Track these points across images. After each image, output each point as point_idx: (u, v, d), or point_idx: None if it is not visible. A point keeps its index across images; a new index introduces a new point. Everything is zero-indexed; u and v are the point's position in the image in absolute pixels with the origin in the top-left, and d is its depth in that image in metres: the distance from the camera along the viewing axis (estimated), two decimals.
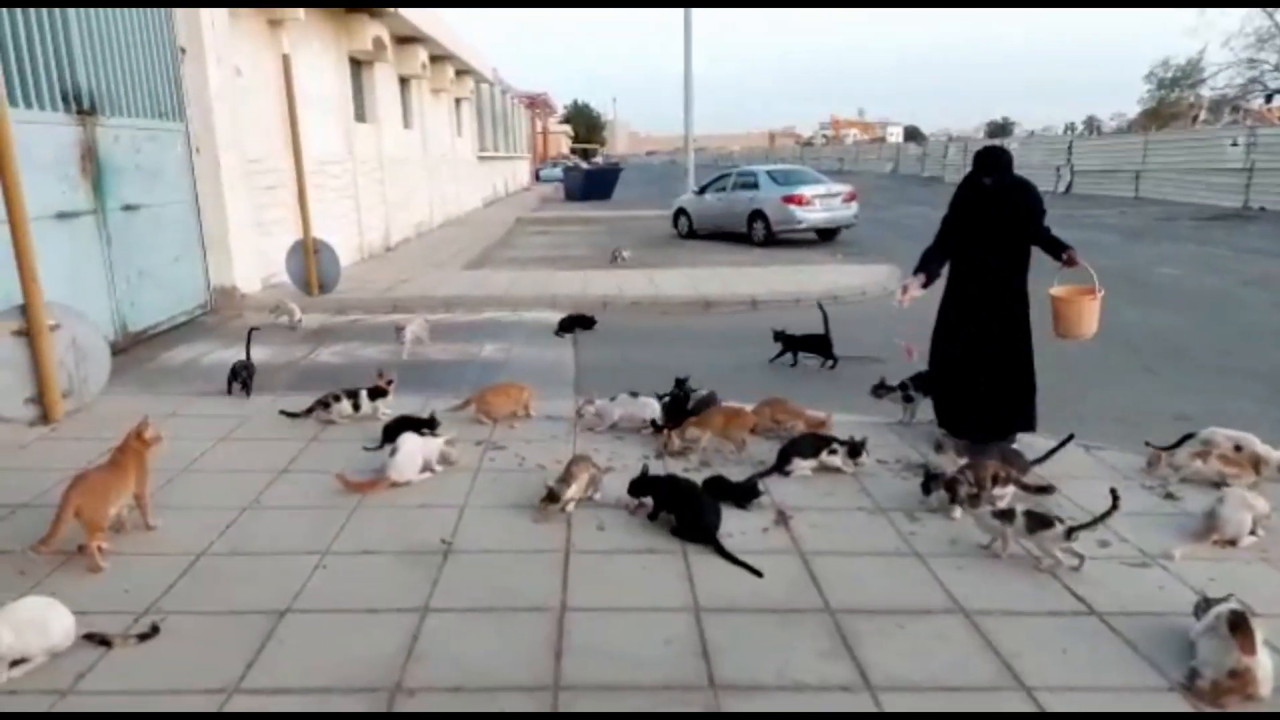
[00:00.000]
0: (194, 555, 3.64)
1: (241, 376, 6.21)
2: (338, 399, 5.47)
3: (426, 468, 4.53)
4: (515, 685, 2.76)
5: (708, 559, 3.64)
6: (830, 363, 7.60)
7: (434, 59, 21.23)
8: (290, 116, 10.88)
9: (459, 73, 25.19)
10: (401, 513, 4.10)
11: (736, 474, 4.45)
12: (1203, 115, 49.67)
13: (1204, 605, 2.97)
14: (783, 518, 4.07)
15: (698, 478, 4.29)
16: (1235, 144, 25.17)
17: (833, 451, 4.65)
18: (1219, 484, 4.30)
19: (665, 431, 5.04)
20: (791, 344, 7.76)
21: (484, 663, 2.88)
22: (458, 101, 26.90)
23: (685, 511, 3.90)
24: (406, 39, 18.68)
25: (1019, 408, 5.01)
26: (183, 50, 9.71)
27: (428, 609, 3.22)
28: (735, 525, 3.92)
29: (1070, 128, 77.71)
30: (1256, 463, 4.49)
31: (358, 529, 3.92)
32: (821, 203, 17.43)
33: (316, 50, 13.84)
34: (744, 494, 4.21)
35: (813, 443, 4.72)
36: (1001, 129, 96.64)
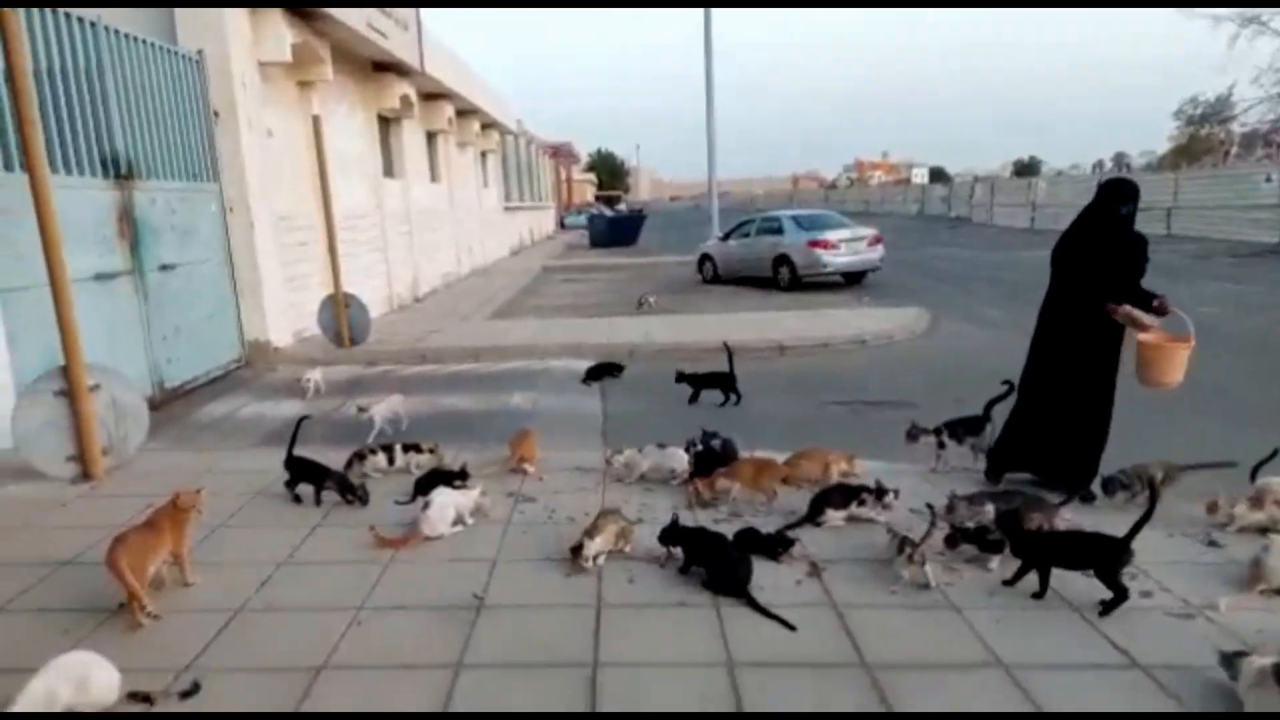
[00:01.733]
0: (231, 611, 3.69)
1: (353, 491, 5.02)
2: (373, 452, 5.54)
3: (459, 521, 4.56)
4: None
5: (740, 612, 3.62)
6: (735, 399, 7.91)
7: (460, 114, 21.70)
8: (320, 174, 11.14)
9: (485, 126, 25.71)
10: (434, 567, 4.13)
11: (767, 526, 4.43)
12: (1234, 150, 49.25)
13: (1228, 659, 2.94)
14: (815, 570, 4.04)
15: (728, 529, 4.29)
16: (1269, 179, 24.98)
17: (862, 502, 4.63)
18: (1266, 530, 4.20)
19: (693, 482, 5.04)
20: (695, 382, 8.04)
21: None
22: (483, 154, 27.41)
23: (716, 564, 3.88)
24: (433, 95, 19.11)
25: (1091, 459, 4.97)
26: (216, 114, 10.01)
27: (461, 665, 3.23)
28: (768, 578, 3.90)
29: (1098, 166, 77.44)
30: None
31: (391, 584, 3.95)
32: (847, 246, 17.48)
33: (345, 110, 14.20)
34: (777, 545, 4.18)
35: (844, 493, 4.70)
36: (1028, 168, 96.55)
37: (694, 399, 8.00)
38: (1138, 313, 4.68)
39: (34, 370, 5.92)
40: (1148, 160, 67.15)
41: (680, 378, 8.07)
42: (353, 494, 4.98)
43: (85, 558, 4.24)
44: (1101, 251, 4.84)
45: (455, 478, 5.01)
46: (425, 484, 4.94)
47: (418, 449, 5.63)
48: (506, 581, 3.96)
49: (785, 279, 17.66)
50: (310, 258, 12.06)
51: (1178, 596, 3.70)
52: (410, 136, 18.07)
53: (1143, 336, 4.69)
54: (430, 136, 20.20)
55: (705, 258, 20.31)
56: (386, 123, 16.88)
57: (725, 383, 7.93)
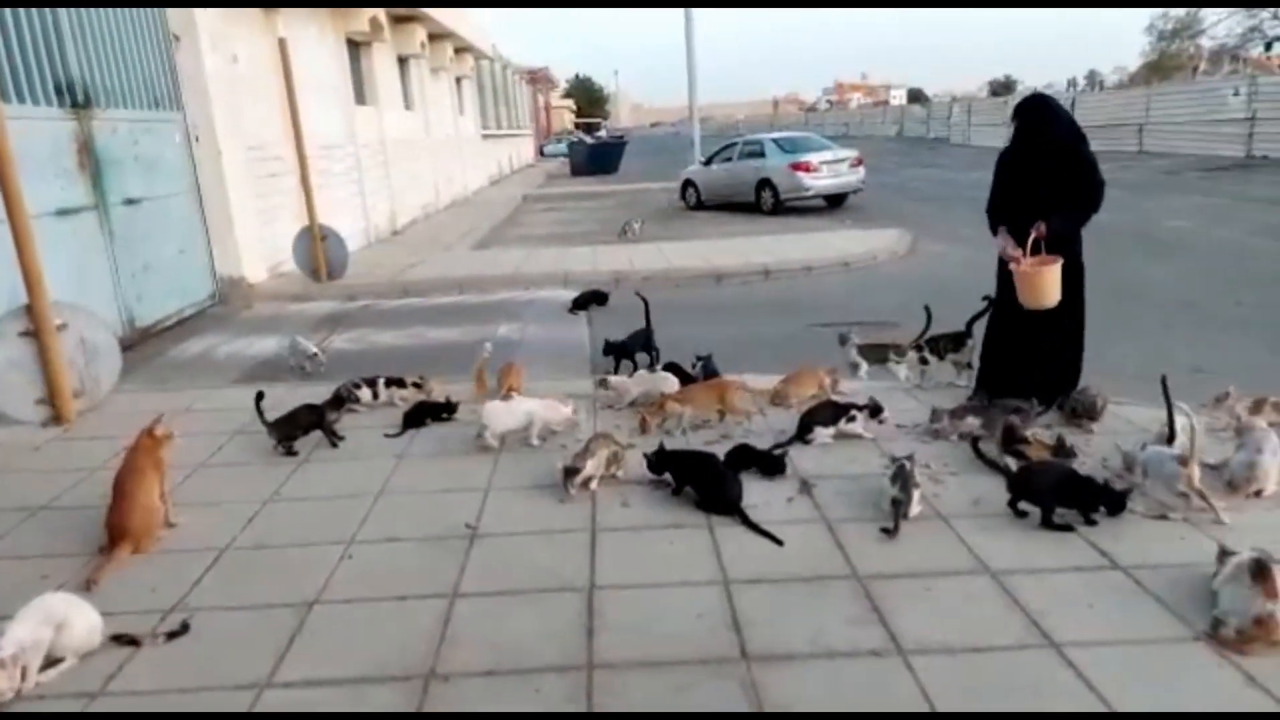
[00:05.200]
0: (218, 550, 3.62)
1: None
2: (358, 387, 5.44)
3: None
4: (549, 666, 2.74)
5: (734, 531, 3.61)
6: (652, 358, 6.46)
7: (432, 37, 21.06)
8: (289, 101, 10.78)
9: (458, 50, 25.00)
10: (425, 498, 4.08)
11: (760, 444, 4.38)
12: (1203, 66, 49.41)
13: (1223, 555, 2.96)
14: (806, 487, 4.03)
15: (721, 450, 4.25)
16: (1236, 94, 25.03)
17: (851, 419, 4.61)
18: (1239, 432, 4.08)
19: (640, 411, 4.98)
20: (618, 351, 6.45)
21: (517, 644, 2.85)
22: (458, 80, 26.71)
23: (707, 483, 3.87)
24: (404, 18, 18.52)
25: (1070, 371, 4.95)
26: (176, 38, 9.62)
27: (457, 594, 3.20)
28: (760, 496, 3.88)
29: (1072, 83, 77.14)
30: None
31: (381, 517, 3.90)
32: (829, 169, 17.26)
33: (314, 33, 13.71)
34: (770, 463, 4.17)
35: (833, 410, 4.67)
36: (1005, 87, 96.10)
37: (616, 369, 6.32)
38: (1010, 250, 4.67)
39: None
40: (1120, 76, 67.03)
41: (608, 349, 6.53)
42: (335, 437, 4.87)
43: (61, 502, 4.15)
44: (1007, 172, 4.87)
45: (442, 410, 4.94)
46: (413, 417, 4.87)
47: (401, 383, 5.54)
48: (499, 510, 3.92)
49: (768, 203, 17.47)
50: (283, 190, 11.72)
51: (1157, 501, 3.69)
52: (382, 62, 17.53)
53: (1016, 266, 4.66)
54: (402, 61, 19.61)
55: (688, 183, 20.05)
56: (356, 47, 16.34)
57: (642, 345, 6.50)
